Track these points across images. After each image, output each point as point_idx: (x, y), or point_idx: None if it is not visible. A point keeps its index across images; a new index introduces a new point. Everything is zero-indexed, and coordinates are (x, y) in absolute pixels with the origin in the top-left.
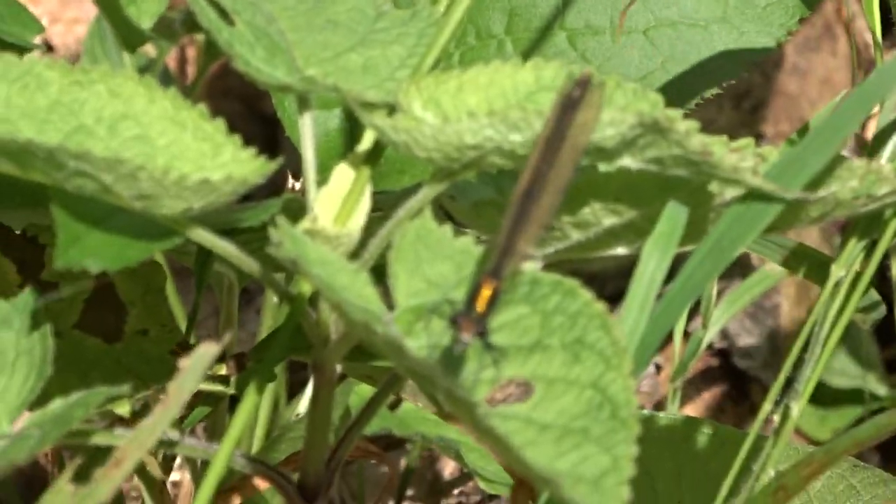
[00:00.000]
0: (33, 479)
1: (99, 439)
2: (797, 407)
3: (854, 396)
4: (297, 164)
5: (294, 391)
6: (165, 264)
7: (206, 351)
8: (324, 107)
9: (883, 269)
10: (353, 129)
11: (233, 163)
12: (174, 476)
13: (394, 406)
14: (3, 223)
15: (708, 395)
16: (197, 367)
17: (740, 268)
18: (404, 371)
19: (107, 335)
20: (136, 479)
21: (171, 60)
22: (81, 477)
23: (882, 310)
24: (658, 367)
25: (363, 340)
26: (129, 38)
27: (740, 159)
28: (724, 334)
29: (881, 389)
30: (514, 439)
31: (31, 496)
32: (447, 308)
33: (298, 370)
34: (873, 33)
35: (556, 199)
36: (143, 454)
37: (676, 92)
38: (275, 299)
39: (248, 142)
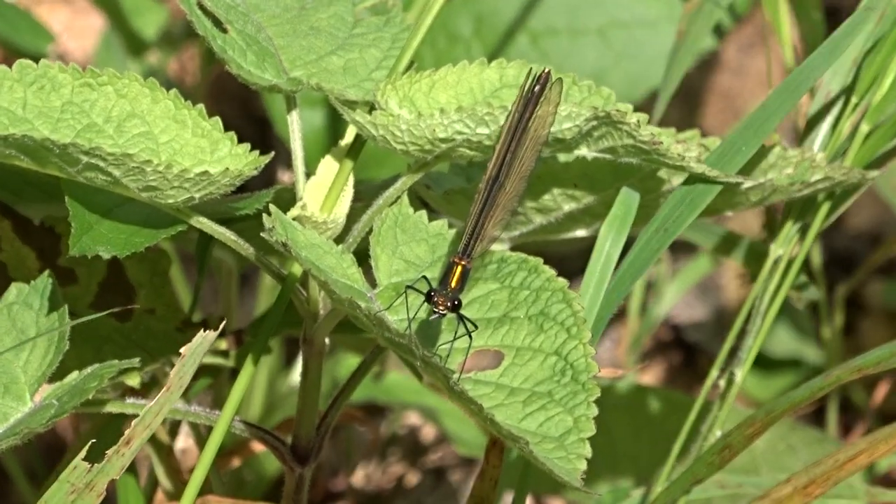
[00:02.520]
0: (53, 444)
1: (112, 408)
2: (741, 373)
3: (794, 363)
4: (287, 162)
5: (291, 364)
6: (172, 251)
7: (205, 338)
8: (309, 105)
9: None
10: (336, 125)
11: (229, 157)
12: (184, 443)
13: (378, 376)
14: (24, 215)
15: (662, 366)
16: (196, 353)
17: (691, 251)
18: (385, 343)
19: (118, 314)
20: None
21: (172, 70)
22: (96, 453)
23: (815, 292)
24: (617, 341)
25: (348, 315)
26: (135, 45)
27: (686, 148)
28: (677, 310)
29: (815, 356)
30: (485, 402)
31: (52, 460)
32: (424, 285)
33: (295, 345)
34: (780, 36)
35: (520, 186)
36: (151, 433)
37: (630, 87)
38: (270, 282)
39: (241, 140)
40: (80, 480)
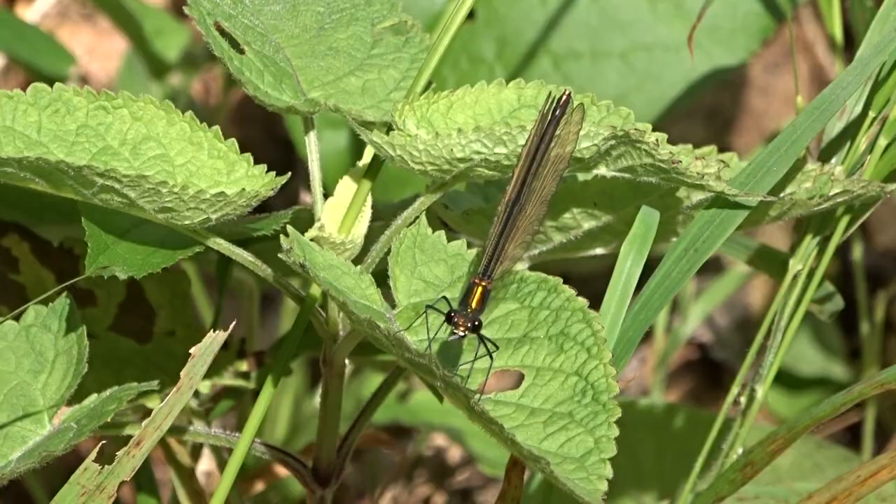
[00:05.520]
0: (76, 466)
1: (131, 430)
2: (762, 389)
3: (822, 382)
4: (309, 183)
5: (316, 387)
6: (193, 272)
7: (214, 339)
8: (332, 127)
9: (846, 264)
10: (360, 147)
11: (246, 178)
12: (207, 466)
13: (404, 397)
14: (43, 237)
15: (688, 385)
16: (206, 354)
17: (717, 269)
18: (405, 363)
19: (138, 336)
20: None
21: (195, 91)
22: (109, 460)
23: (839, 302)
24: (644, 360)
25: (368, 336)
26: (157, 67)
27: (705, 166)
28: (703, 329)
29: (843, 375)
30: (506, 423)
31: None
32: (444, 305)
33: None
34: (835, 43)
35: (541, 209)
36: (162, 434)
37: (653, 109)
38: (292, 302)
39: (266, 162)
40: (90, 482)
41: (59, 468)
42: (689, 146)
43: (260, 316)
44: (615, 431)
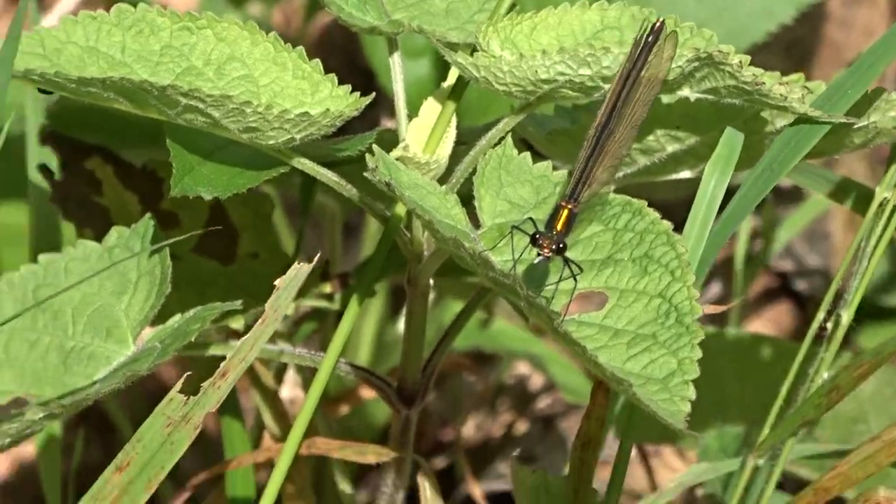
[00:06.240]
0: (157, 393)
1: (215, 350)
2: (847, 315)
3: None
4: (391, 112)
5: (398, 314)
6: (276, 199)
7: (300, 270)
8: (413, 56)
9: None
10: (440, 75)
11: (330, 98)
12: (291, 393)
13: (485, 324)
14: (126, 159)
15: (769, 314)
16: (292, 285)
17: (798, 198)
18: (490, 283)
19: (221, 258)
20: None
21: (276, 23)
22: (194, 391)
23: None
24: (724, 288)
25: (452, 256)
26: None
27: (789, 90)
28: (784, 257)
29: None
30: (589, 344)
31: None
32: (529, 227)
33: (402, 296)
34: None
35: (631, 133)
36: (247, 366)
37: (730, 39)
38: (375, 227)
39: None
40: (176, 413)
41: (141, 394)
42: (777, 73)
43: (342, 243)
44: (698, 353)
